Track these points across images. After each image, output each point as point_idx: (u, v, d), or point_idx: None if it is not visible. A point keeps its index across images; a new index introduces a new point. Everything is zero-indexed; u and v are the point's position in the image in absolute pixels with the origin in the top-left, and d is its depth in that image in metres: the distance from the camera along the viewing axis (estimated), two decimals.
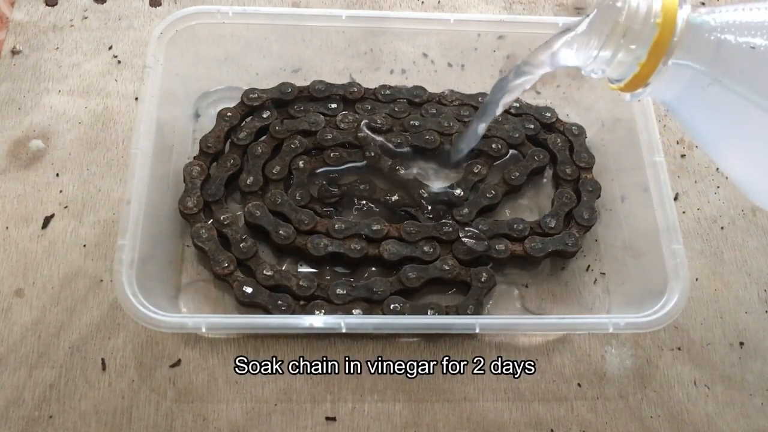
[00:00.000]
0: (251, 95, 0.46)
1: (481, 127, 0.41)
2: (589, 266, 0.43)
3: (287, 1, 0.53)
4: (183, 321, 0.35)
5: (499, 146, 0.46)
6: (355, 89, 0.47)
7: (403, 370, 0.40)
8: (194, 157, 0.44)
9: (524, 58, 0.35)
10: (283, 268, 0.41)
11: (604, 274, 0.43)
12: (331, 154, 0.45)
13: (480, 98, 0.47)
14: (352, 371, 0.39)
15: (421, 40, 0.47)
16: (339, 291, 0.40)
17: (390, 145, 0.45)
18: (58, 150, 0.45)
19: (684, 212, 0.46)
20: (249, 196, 0.43)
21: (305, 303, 0.40)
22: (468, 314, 0.40)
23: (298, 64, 0.48)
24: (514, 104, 0.47)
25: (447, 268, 0.41)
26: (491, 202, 0.44)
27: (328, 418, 0.38)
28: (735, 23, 0.27)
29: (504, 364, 0.40)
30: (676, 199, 0.46)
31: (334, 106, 0.46)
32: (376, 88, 0.47)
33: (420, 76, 0.48)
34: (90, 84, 0.48)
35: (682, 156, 0.47)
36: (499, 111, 0.39)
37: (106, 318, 0.40)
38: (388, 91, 0.47)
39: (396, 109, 0.46)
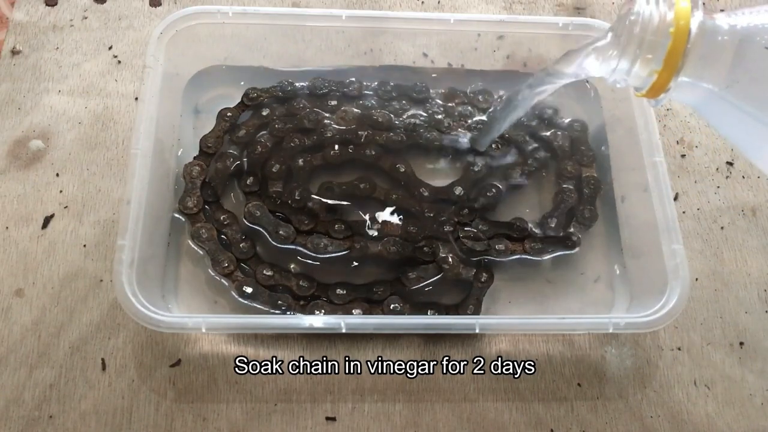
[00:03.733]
0: (251, 94, 0.46)
1: (503, 126, 0.42)
2: (589, 266, 0.43)
3: (287, 1, 0.53)
4: (183, 321, 0.35)
5: (500, 145, 0.46)
6: (356, 86, 0.47)
7: (403, 370, 0.40)
8: (194, 157, 0.44)
9: (551, 65, 0.36)
10: (283, 267, 0.41)
11: (604, 274, 0.43)
12: (331, 153, 0.45)
13: (480, 96, 0.47)
14: (352, 371, 0.39)
15: (421, 40, 0.47)
16: (339, 291, 0.40)
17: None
18: (58, 150, 0.45)
19: (684, 212, 0.46)
20: (249, 196, 0.43)
21: (305, 303, 0.40)
22: (468, 314, 0.40)
23: (298, 64, 0.48)
24: None
25: (447, 267, 0.41)
26: (492, 201, 0.44)
27: (328, 418, 0.38)
28: (749, 26, 0.28)
29: (504, 364, 0.40)
30: (676, 199, 0.46)
31: (334, 103, 0.46)
32: (376, 85, 0.47)
33: (420, 76, 0.48)
34: (90, 84, 0.48)
35: (682, 156, 0.47)
36: (521, 113, 0.40)
37: (106, 318, 0.40)
38: (388, 87, 0.47)
39: (396, 107, 0.47)
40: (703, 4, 0.29)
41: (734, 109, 0.29)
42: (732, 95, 0.28)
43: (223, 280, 0.41)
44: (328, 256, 0.41)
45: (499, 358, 0.40)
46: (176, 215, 0.42)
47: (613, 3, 0.54)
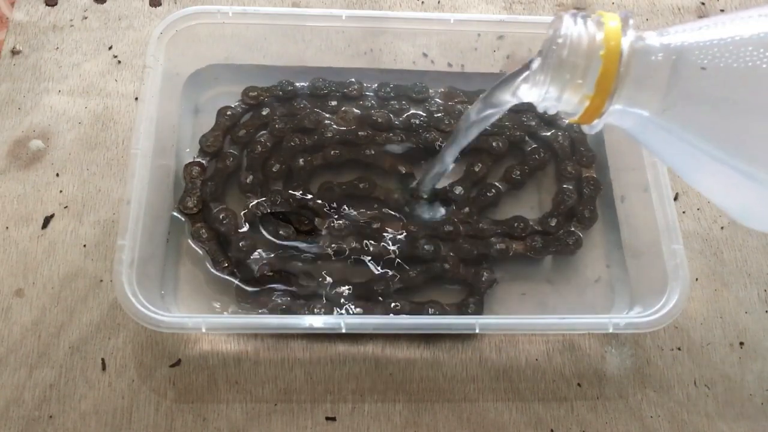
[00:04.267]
0: (251, 93, 0.46)
1: (449, 160, 0.40)
2: (589, 266, 0.43)
3: (287, 1, 0.53)
4: (183, 321, 0.35)
5: (500, 144, 0.46)
6: (356, 86, 0.47)
7: (403, 370, 0.40)
8: (194, 157, 0.44)
9: (487, 93, 0.34)
10: (283, 267, 0.41)
11: (604, 274, 0.43)
12: (331, 152, 0.45)
13: (480, 95, 0.47)
14: (352, 371, 0.39)
15: (421, 40, 0.47)
16: (339, 290, 0.40)
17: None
18: (58, 150, 0.45)
19: (684, 212, 0.46)
20: (249, 195, 0.43)
21: (305, 302, 0.40)
22: (468, 313, 0.40)
23: (298, 64, 0.48)
24: None
25: (447, 266, 0.41)
26: (492, 200, 0.44)
27: (328, 418, 0.38)
28: (683, 44, 0.26)
29: (504, 364, 0.40)
30: (676, 199, 0.46)
31: (334, 103, 0.46)
32: (376, 86, 0.47)
33: (420, 77, 0.48)
34: (90, 84, 0.48)
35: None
36: (463, 145, 0.38)
37: (106, 318, 0.40)
38: (388, 89, 0.47)
39: (397, 107, 0.47)
40: (632, 21, 0.27)
41: (671, 133, 0.27)
42: (669, 119, 0.26)
43: (223, 280, 0.41)
44: (328, 255, 0.41)
45: (500, 358, 0.40)
46: (176, 215, 0.42)
47: (613, 3, 0.54)
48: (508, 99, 0.33)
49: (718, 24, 0.26)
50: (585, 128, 0.29)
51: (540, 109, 0.30)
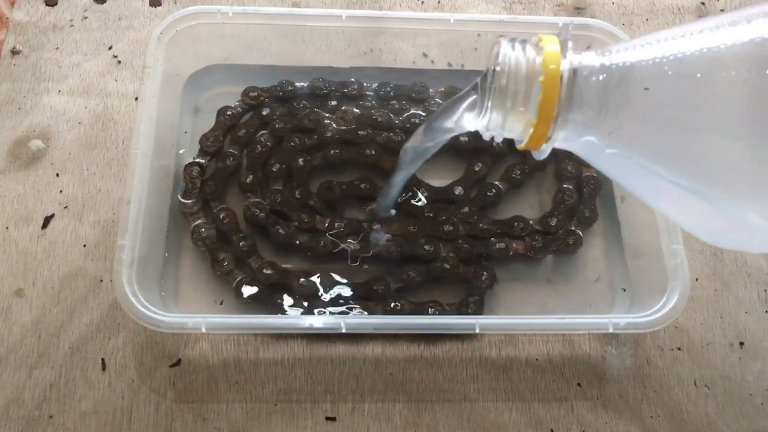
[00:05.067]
0: (251, 93, 0.46)
1: (397, 187, 0.40)
2: (589, 265, 0.43)
3: (287, 1, 0.53)
4: (183, 321, 0.35)
5: (500, 143, 0.46)
6: (355, 86, 0.47)
7: (403, 370, 0.40)
8: (194, 156, 0.44)
9: (427, 122, 0.34)
10: (283, 266, 0.41)
11: (604, 273, 0.43)
12: (331, 152, 0.45)
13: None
14: (352, 371, 0.40)
15: (421, 40, 0.47)
16: (339, 290, 0.40)
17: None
18: (58, 150, 0.45)
19: None
20: (249, 195, 0.43)
21: (305, 302, 0.40)
22: (468, 313, 0.40)
23: (298, 64, 0.48)
24: None
25: (447, 266, 0.41)
26: (492, 200, 0.44)
27: (328, 418, 0.38)
28: (625, 64, 0.25)
29: (504, 364, 0.40)
30: None
31: (334, 103, 0.46)
32: (376, 85, 0.47)
33: (420, 76, 0.48)
34: (90, 84, 0.48)
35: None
36: (411, 172, 0.38)
37: (106, 318, 0.40)
38: (388, 88, 0.47)
39: (396, 107, 0.47)
40: (571, 44, 0.26)
41: (620, 156, 0.26)
42: (615, 142, 0.25)
43: (222, 279, 0.41)
44: (328, 254, 0.41)
45: (499, 358, 0.40)
46: (176, 215, 0.42)
47: (613, 3, 0.54)
48: (450, 128, 0.32)
49: (660, 41, 0.25)
50: (535, 154, 0.28)
51: (486, 137, 0.30)
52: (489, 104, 0.28)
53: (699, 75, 0.24)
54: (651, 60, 0.24)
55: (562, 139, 0.27)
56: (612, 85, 0.25)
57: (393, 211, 0.43)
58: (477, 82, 0.30)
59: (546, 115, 0.26)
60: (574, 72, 0.26)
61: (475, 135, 0.45)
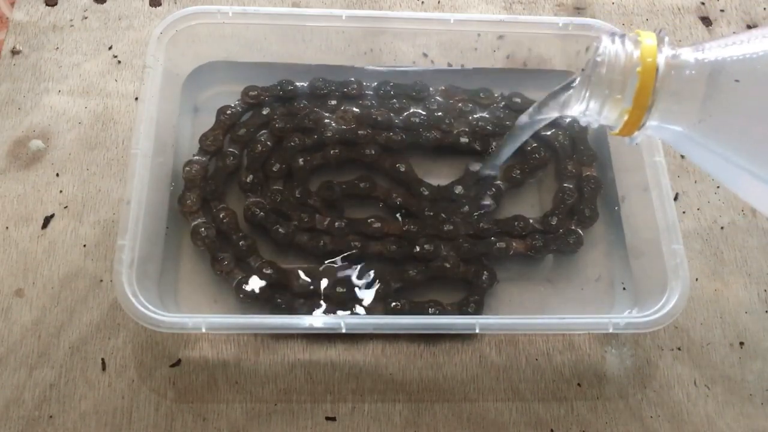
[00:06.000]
0: (251, 92, 0.46)
1: (507, 150, 0.42)
2: (589, 265, 0.43)
3: (287, 1, 0.53)
4: (183, 321, 0.35)
5: (500, 143, 0.46)
6: (355, 86, 0.47)
7: (403, 370, 0.40)
8: (193, 155, 0.44)
9: (536, 105, 0.36)
10: (283, 266, 0.41)
11: (604, 273, 0.43)
12: (331, 152, 0.45)
13: (481, 93, 0.47)
14: (352, 371, 0.40)
15: (421, 40, 0.47)
16: (339, 290, 0.40)
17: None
18: (58, 150, 0.45)
19: (684, 212, 0.46)
20: (249, 194, 0.43)
21: (305, 301, 0.40)
22: (469, 313, 0.40)
23: (298, 64, 0.48)
24: (516, 100, 0.47)
25: (448, 266, 0.41)
26: (492, 200, 0.44)
27: (328, 418, 0.38)
28: (717, 59, 0.27)
29: (504, 364, 0.40)
30: (676, 199, 0.46)
31: (334, 102, 0.46)
32: (376, 85, 0.47)
33: (420, 76, 0.48)
34: (90, 84, 0.48)
35: (682, 156, 0.47)
36: (522, 139, 0.40)
37: (106, 318, 0.40)
38: (388, 87, 0.47)
39: (397, 106, 0.47)
40: (668, 39, 0.29)
41: (708, 144, 0.28)
42: (705, 130, 0.28)
43: (222, 279, 0.41)
44: (328, 254, 0.41)
45: (500, 358, 0.40)
46: (176, 214, 0.42)
47: (613, 3, 0.54)
48: (555, 113, 0.35)
49: (751, 39, 0.27)
50: (626, 140, 0.31)
51: (583, 122, 0.32)
52: (588, 92, 0.30)
53: None
54: (742, 55, 0.27)
55: (653, 127, 0.29)
56: (704, 77, 0.27)
57: (495, 173, 0.45)
58: (574, 77, 0.32)
59: (641, 103, 0.28)
60: (669, 64, 0.28)
61: (475, 135, 0.46)
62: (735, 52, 0.27)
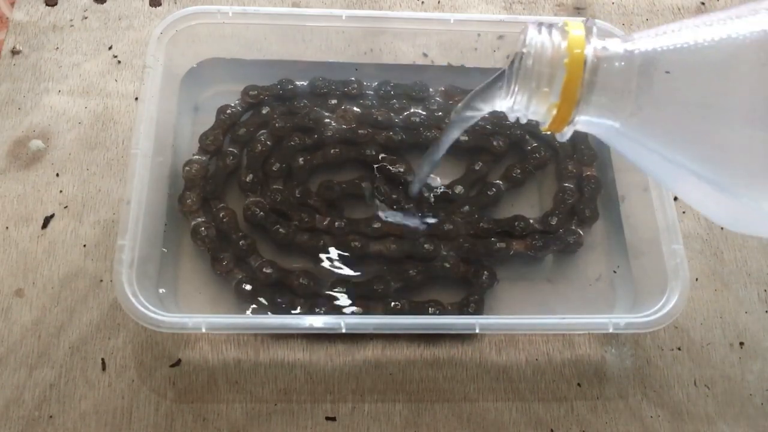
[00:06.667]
0: (251, 92, 0.46)
1: (435, 161, 0.41)
2: (589, 265, 0.43)
3: (287, 1, 0.53)
4: (183, 321, 0.35)
5: (500, 142, 0.46)
6: (355, 85, 0.47)
7: (403, 370, 0.40)
8: (193, 155, 0.44)
9: (466, 98, 0.35)
10: (283, 266, 0.41)
11: (604, 273, 0.43)
12: (331, 151, 0.45)
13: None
14: (352, 371, 0.39)
15: (421, 40, 0.47)
16: (339, 289, 0.40)
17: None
18: (58, 150, 0.45)
19: (684, 212, 0.46)
20: (248, 194, 0.43)
21: (305, 301, 0.40)
22: (469, 312, 0.40)
23: (298, 64, 0.48)
24: None
25: (448, 265, 0.41)
26: (493, 199, 0.44)
27: (328, 418, 0.38)
28: (648, 50, 0.26)
29: (504, 364, 0.40)
30: (676, 199, 0.46)
31: (334, 102, 0.46)
32: (376, 84, 0.47)
33: (420, 76, 0.48)
34: (90, 84, 0.48)
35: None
36: (452, 137, 0.39)
37: (106, 318, 0.40)
38: (388, 87, 0.47)
39: (397, 106, 0.47)
40: (596, 30, 0.27)
41: (641, 139, 0.27)
42: (637, 125, 0.27)
43: (222, 278, 0.41)
44: (328, 254, 0.41)
45: (499, 358, 0.40)
46: (176, 214, 0.42)
47: (613, 3, 0.54)
48: (484, 108, 0.34)
49: (682, 28, 0.26)
50: (557, 136, 0.29)
51: (511, 118, 0.31)
52: (515, 85, 0.29)
53: (718, 61, 0.25)
54: (672, 45, 0.26)
55: (584, 122, 0.28)
56: (634, 69, 0.26)
57: (421, 187, 0.43)
58: (502, 69, 0.31)
59: (569, 96, 0.27)
60: (598, 56, 0.27)
61: (475, 134, 0.46)
62: (665, 42, 0.26)
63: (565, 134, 0.29)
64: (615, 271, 0.43)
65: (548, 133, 0.29)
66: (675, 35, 0.26)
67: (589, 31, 0.27)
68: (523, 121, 0.30)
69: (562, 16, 0.51)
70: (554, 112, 0.28)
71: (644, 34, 0.27)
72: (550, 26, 0.28)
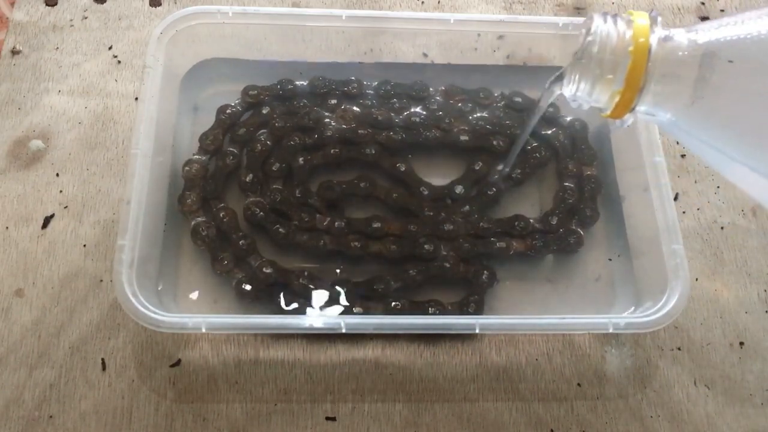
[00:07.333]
0: (251, 92, 0.46)
1: (516, 151, 0.43)
2: (590, 265, 0.43)
3: (287, 1, 0.53)
4: (183, 321, 0.35)
5: (501, 142, 0.46)
6: (355, 85, 0.47)
7: (403, 370, 0.40)
8: (193, 155, 0.44)
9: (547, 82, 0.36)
10: (283, 265, 0.41)
11: (604, 273, 0.43)
12: (331, 151, 0.45)
13: (481, 93, 0.47)
14: (352, 371, 0.39)
15: (421, 40, 0.47)
16: (339, 289, 0.40)
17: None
18: (58, 150, 0.45)
19: (684, 212, 0.46)
20: (248, 193, 0.43)
21: (305, 301, 0.40)
22: (469, 312, 0.40)
23: (298, 64, 0.48)
24: (516, 99, 0.47)
25: (448, 265, 0.41)
26: (493, 199, 0.44)
27: (328, 418, 0.38)
28: (711, 40, 0.27)
29: (504, 364, 0.40)
30: (676, 199, 0.46)
31: (334, 101, 0.46)
32: (376, 84, 0.47)
33: (420, 76, 0.48)
34: (90, 84, 0.48)
35: (682, 156, 0.47)
36: (530, 129, 0.41)
37: (106, 318, 0.40)
38: (388, 87, 0.47)
39: (397, 105, 0.47)
40: (660, 20, 0.29)
41: (700, 127, 0.28)
42: (697, 113, 0.27)
43: (222, 278, 0.41)
44: (328, 254, 0.41)
45: (499, 358, 0.40)
46: (176, 214, 0.42)
47: (613, 3, 0.54)
48: (554, 89, 0.34)
49: (744, 20, 0.27)
50: (617, 123, 0.30)
51: (574, 105, 0.32)
52: (579, 72, 0.30)
53: None
54: (736, 36, 0.26)
55: (645, 110, 0.29)
56: (697, 59, 0.27)
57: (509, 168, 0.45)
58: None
59: (633, 83, 0.28)
60: (661, 45, 0.27)
61: (475, 134, 0.46)
62: (729, 33, 0.27)
63: (625, 121, 0.30)
64: (615, 271, 0.43)
65: (609, 119, 0.30)
66: (738, 26, 0.27)
67: (653, 21, 0.28)
68: (585, 107, 0.31)
69: (562, 16, 0.51)
70: (617, 99, 0.29)
71: (707, 25, 0.27)
72: (615, 16, 0.29)
